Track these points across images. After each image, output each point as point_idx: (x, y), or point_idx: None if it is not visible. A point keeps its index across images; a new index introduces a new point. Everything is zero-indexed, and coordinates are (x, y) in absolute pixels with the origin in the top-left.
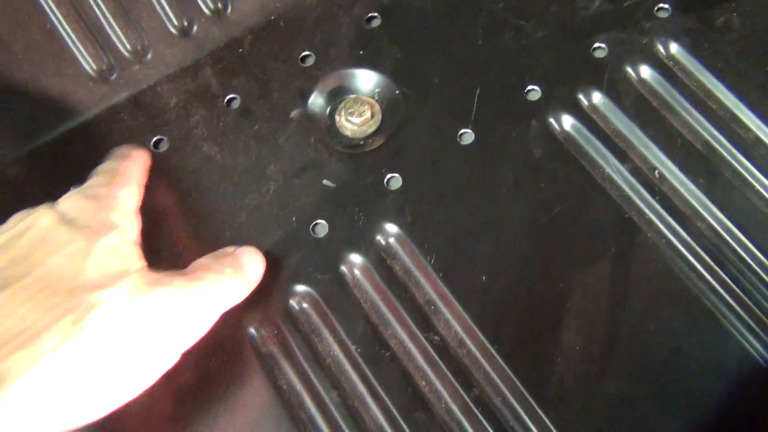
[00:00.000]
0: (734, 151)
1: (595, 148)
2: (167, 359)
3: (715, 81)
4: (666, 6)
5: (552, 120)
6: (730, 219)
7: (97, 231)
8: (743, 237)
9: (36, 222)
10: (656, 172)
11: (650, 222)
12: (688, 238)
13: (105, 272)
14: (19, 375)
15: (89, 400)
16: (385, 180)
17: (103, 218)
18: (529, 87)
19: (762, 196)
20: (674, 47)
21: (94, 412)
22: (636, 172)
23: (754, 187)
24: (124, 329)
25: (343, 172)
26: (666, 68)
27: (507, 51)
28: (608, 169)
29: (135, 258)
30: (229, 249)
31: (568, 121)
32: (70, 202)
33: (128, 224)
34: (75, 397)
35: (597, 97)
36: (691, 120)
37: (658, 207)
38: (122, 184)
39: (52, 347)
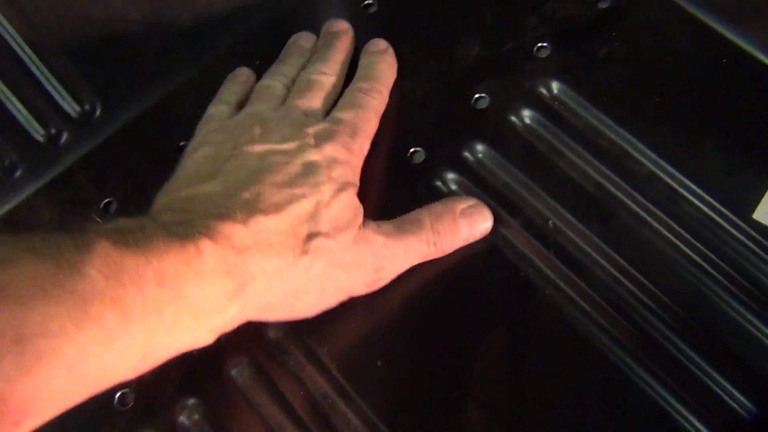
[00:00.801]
0: (628, 188)
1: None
2: (354, 293)
3: (602, 117)
4: (545, 44)
5: (438, 182)
6: (629, 263)
7: (341, 186)
8: (644, 280)
9: (304, 155)
10: (550, 222)
11: (547, 278)
12: (587, 290)
13: (334, 225)
14: (254, 289)
15: (288, 308)
16: None
17: (347, 174)
18: (413, 149)
19: (659, 233)
20: (557, 87)
21: (289, 316)
22: (529, 225)
23: (651, 225)
24: (329, 271)
25: None
26: (551, 110)
27: (387, 113)
28: (500, 228)
29: (358, 215)
30: (461, 205)
31: (454, 181)
32: (332, 145)
33: (358, 177)
34: (278, 306)
35: (483, 151)
36: (581, 162)
37: (554, 260)
38: (369, 131)
39: (279, 267)
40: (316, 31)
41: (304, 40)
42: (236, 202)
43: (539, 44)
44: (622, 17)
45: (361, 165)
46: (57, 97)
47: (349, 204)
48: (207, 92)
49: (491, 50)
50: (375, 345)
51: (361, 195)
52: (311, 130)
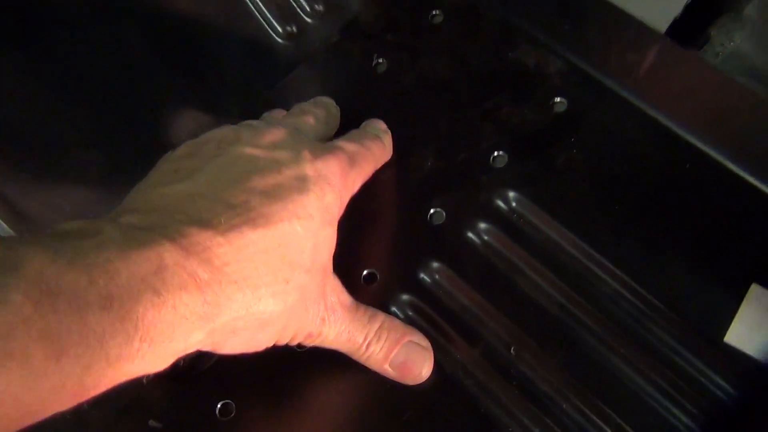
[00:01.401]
0: (592, 309)
1: (442, 333)
2: (295, 337)
3: (562, 230)
4: (502, 153)
5: (394, 307)
6: (596, 395)
7: (329, 220)
8: (613, 414)
9: (297, 168)
10: (512, 349)
11: (510, 413)
12: (552, 425)
13: (314, 259)
14: (229, 314)
15: (250, 337)
16: (218, 408)
17: (335, 206)
18: (366, 271)
19: (626, 359)
20: (515, 199)
21: (245, 346)
22: (490, 353)
23: (619, 350)
24: (297, 307)
25: (172, 405)
26: (509, 224)
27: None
28: (459, 356)
29: (331, 258)
30: (415, 338)
31: (411, 306)
32: (327, 165)
33: (340, 214)
34: (243, 332)
35: (439, 271)
36: (542, 282)
37: (516, 392)
38: (366, 170)
39: (259, 302)
40: None
41: (276, 112)
42: (219, 206)
43: (495, 153)
44: (580, 122)
45: (344, 206)
46: None
47: (332, 242)
48: None
49: (446, 161)
50: None
51: None
52: (307, 145)
